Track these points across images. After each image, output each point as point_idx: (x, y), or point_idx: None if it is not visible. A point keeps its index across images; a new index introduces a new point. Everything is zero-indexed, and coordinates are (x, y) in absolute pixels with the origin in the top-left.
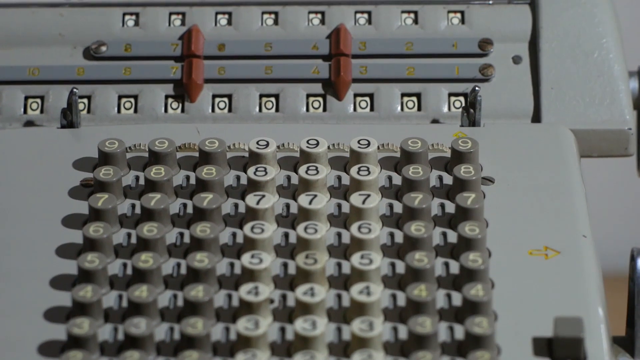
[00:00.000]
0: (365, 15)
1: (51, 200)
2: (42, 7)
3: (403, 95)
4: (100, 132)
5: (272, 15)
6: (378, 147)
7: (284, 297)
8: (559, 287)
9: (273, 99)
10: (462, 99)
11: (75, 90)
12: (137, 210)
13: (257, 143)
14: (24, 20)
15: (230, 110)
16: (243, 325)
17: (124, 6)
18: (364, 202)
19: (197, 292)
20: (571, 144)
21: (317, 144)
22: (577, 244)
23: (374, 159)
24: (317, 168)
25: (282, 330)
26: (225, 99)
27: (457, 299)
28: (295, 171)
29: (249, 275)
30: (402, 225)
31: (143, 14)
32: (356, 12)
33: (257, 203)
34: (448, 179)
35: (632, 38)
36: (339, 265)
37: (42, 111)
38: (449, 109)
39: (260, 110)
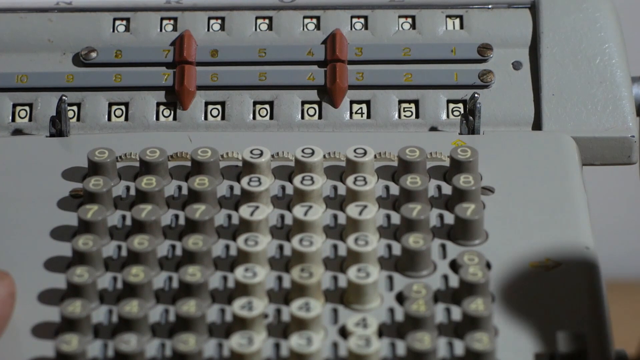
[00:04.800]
0: (362, 20)
1: (39, 211)
2: (31, 12)
3: (400, 102)
4: (90, 141)
5: (266, 21)
6: (375, 156)
7: (278, 311)
8: (562, 301)
9: (267, 106)
10: (461, 106)
11: (64, 97)
12: (128, 222)
13: (251, 152)
14: (12, 26)
15: (223, 117)
16: (236, 341)
17: (115, 11)
18: (360, 214)
19: (189, 307)
20: (573, 152)
21: (313, 152)
22: (579, 255)
23: (371, 169)
24: (312, 178)
25: (277, 346)
26: (218, 106)
27: (456, 314)
28: (290, 181)
29: (243, 289)
30: (400, 237)
31: (134, 19)
32: (352, 17)
33: (251, 214)
34: (447, 189)
35: (635, 43)
36: (335, 278)
37: (30, 119)
38: (448, 116)
39: (254, 117)
